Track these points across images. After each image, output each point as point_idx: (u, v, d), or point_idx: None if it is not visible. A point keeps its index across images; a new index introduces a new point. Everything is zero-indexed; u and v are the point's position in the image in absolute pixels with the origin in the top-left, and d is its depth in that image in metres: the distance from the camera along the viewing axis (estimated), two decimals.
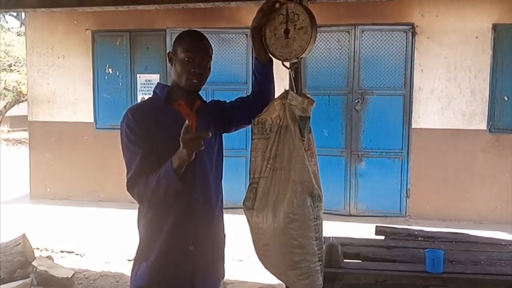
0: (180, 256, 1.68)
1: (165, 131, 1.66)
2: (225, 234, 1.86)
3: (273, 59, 1.88)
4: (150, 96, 1.79)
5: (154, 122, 1.66)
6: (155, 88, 1.78)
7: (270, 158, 1.79)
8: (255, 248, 1.91)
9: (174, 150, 1.54)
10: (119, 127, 1.69)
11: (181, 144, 1.47)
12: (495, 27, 5.41)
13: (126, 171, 1.67)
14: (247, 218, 1.85)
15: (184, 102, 1.74)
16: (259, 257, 1.91)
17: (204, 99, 1.85)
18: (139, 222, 1.74)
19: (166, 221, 1.66)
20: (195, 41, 1.72)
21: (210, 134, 1.48)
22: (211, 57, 1.74)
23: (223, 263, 1.86)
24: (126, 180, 1.65)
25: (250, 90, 1.95)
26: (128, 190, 1.66)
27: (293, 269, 1.78)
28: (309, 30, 1.76)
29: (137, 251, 1.72)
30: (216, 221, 1.79)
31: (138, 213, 1.73)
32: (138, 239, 1.74)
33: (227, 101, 1.95)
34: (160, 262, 1.66)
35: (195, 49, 1.69)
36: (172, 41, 1.81)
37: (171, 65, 1.74)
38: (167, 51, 1.75)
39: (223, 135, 1.89)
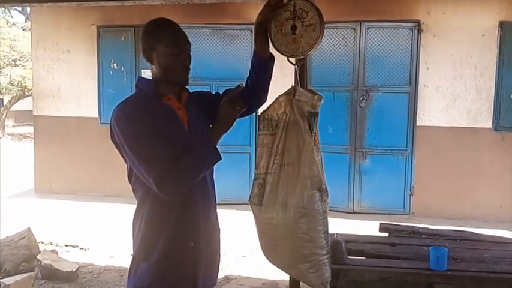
0: (181, 253, 1.64)
1: (162, 126, 1.59)
2: (219, 229, 1.83)
3: (274, 55, 1.84)
4: (134, 92, 1.70)
5: (149, 118, 1.58)
6: (138, 83, 1.70)
7: (277, 153, 1.80)
8: (261, 243, 1.92)
9: (171, 145, 1.54)
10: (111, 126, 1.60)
11: (224, 114, 1.60)
12: (502, 25, 5.37)
13: (143, 167, 1.52)
14: (255, 214, 1.86)
15: (174, 96, 1.68)
16: (265, 252, 1.92)
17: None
18: (136, 221, 1.67)
19: (168, 220, 1.62)
20: (176, 32, 1.66)
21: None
22: (190, 43, 1.70)
23: (220, 257, 1.84)
24: (154, 177, 1.50)
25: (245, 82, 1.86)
26: (159, 185, 1.50)
27: (303, 263, 1.81)
28: (318, 28, 1.76)
29: (136, 250, 1.66)
30: (212, 215, 1.76)
31: (136, 212, 1.67)
32: (135, 238, 1.67)
33: (213, 93, 1.90)
34: (163, 261, 1.61)
35: (180, 41, 1.65)
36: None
37: (151, 62, 1.67)
38: (142, 50, 1.69)
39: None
